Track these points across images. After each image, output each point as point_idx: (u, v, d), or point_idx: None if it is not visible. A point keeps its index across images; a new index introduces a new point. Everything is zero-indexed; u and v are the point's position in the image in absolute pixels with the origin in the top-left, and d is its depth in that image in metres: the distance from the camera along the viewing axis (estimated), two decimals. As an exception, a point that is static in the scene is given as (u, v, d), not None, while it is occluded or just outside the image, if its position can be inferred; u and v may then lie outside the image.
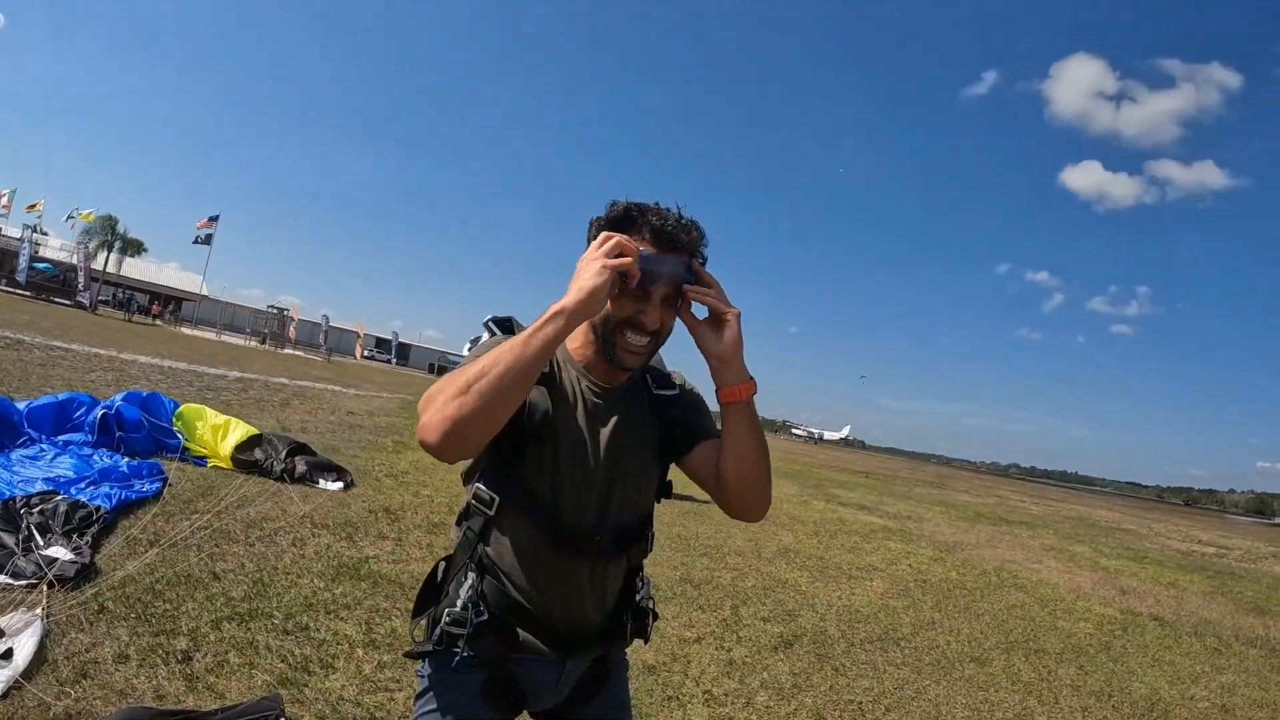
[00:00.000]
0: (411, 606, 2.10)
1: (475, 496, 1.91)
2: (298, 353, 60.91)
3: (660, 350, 2.02)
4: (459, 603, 1.90)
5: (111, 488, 6.40)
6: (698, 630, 6.25)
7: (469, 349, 1.99)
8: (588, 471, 1.92)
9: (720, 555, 9.38)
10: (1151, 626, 9.51)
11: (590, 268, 1.69)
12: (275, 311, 72.01)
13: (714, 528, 11.08)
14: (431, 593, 2.01)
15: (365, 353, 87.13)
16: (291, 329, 68.40)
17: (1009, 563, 13.44)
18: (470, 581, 1.91)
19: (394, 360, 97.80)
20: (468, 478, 1.99)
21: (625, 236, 1.76)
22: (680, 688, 4.98)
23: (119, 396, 8.72)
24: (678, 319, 1.93)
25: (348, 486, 9.09)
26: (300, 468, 8.93)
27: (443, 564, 2.04)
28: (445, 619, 1.89)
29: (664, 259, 1.81)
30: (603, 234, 1.76)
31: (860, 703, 5.36)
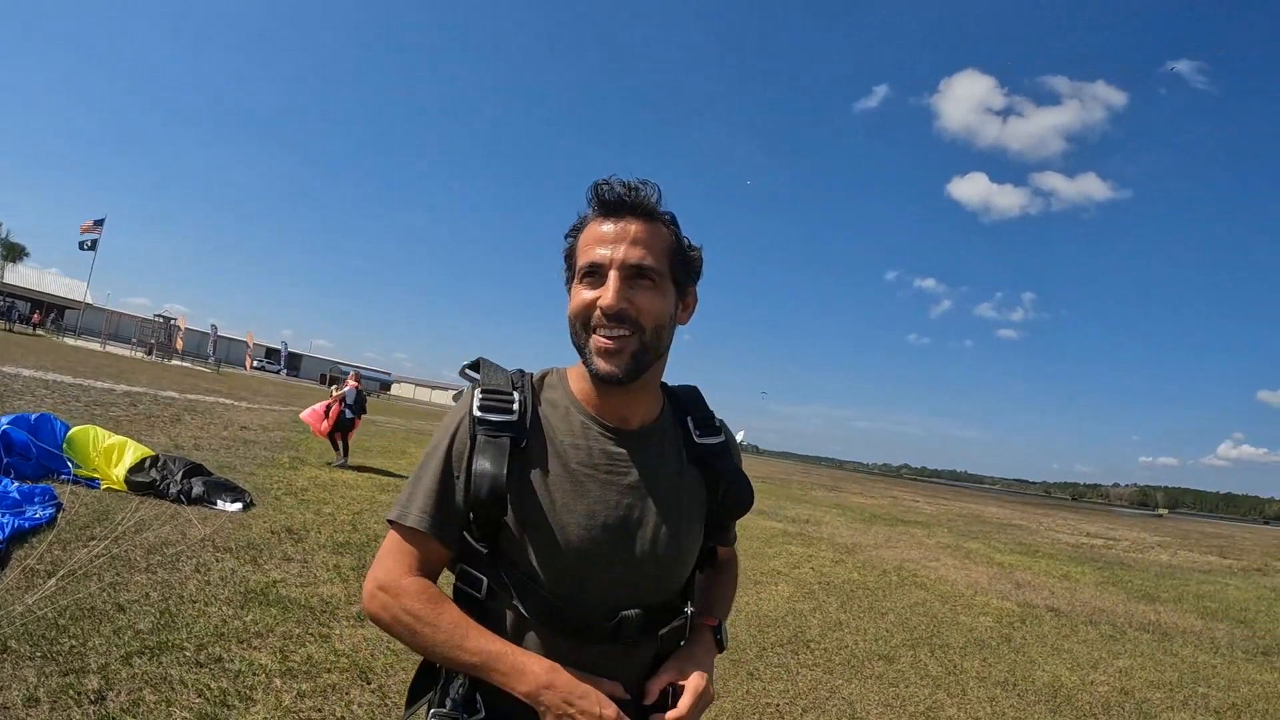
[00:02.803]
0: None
1: (462, 579, 1.56)
2: (186, 364, 59.08)
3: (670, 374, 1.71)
4: (449, 700, 1.51)
5: (3, 515, 6.14)
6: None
7: (455, 401, 1.67)
8: (596, 540, 1.51)
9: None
10: (1048, 617, 9.87)
11: (589, 702, 1.42)
12: (162, 321, 69.66)
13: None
14: (429, 676, 1.63)
15: (255, 363, 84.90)
16: (179, 339, 66.30)
17: (908, 561, 13.79)
18: (461, 674, 1.51)
19: (285, 371, 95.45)
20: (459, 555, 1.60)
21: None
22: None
23: (5, 419, 8.39)
24: None
25: (247, 507, 8.89)
26: (197, 489, 8.70)
27: None
28: None
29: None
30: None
31: (777, 705, 5.45)
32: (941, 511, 31.19)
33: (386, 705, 4.30)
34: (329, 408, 15.03)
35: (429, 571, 1.53)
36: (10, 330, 51.33)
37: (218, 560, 6.50)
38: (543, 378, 1.66)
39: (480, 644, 1.43)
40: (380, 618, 1.49)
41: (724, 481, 1.70)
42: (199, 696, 3.99)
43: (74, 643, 4.32)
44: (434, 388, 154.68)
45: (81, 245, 60.28)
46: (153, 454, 9.18)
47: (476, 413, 1.51)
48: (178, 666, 4.28)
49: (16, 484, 7.12)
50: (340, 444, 15.27)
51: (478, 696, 1.51)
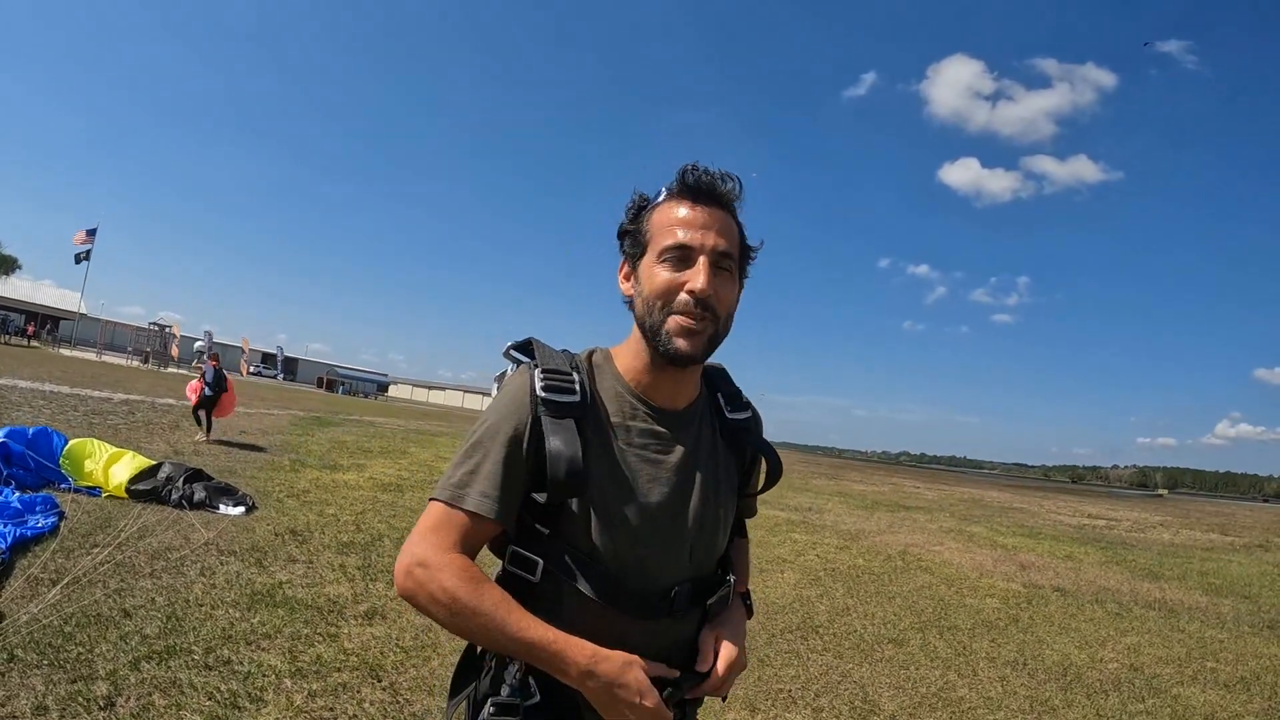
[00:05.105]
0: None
1: (513, 561, 1.54)
2: (182, 371, 59.00)
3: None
4: (505, 687, 1.50)
5: (5, 525, 6.13)
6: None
7: (496, 386, 1.66)
8: (652, 519, 1.54)
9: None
10: (1054, 597, 9.87)
11: (629, 690, 1.41)
12: (157, 329, 69.51)
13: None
14: (471, 666, 1.62)
15: (251, 369, 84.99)
16: (174, 347, 66.19)
17: (912, 546, 13.75)
18: (519, 661, 1.49)
19: (281, 375, 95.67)
20: (497, 542, 1.60)
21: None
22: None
23: (1, 432, 8.36)
24: None
25: (250, 510, 8.87)
26: (199, 494, 8.70)
27: None
28: (490, 709, 1.49)
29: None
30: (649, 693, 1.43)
31: (789, 690, 5.46)
32: (943, 497, 31.11)
33: (399, 702, 4.28)
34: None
35: (470, 550, 1.48)
36: (6, 343, 51.26)
37: (222, 564, 6.49)
38: (589, 357, 1.66)
39: (522, 629, 1.40)
40: (415, 595, 1.43)
41: (753, 455, 1.77)
42: (209, 699, 3.98)
43: (81, 649, 4.31)
44: (431, 388, 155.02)
45: (78, 258, 60.13)
46: (153, 463, 9.16)
47: (541, 393, 1.50)
48: (186, 670, 4.27)
49: (18, 494, 7.11)
50: (204, 420, 15.79)
51: (531, 681, 1.50)
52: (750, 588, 1.85)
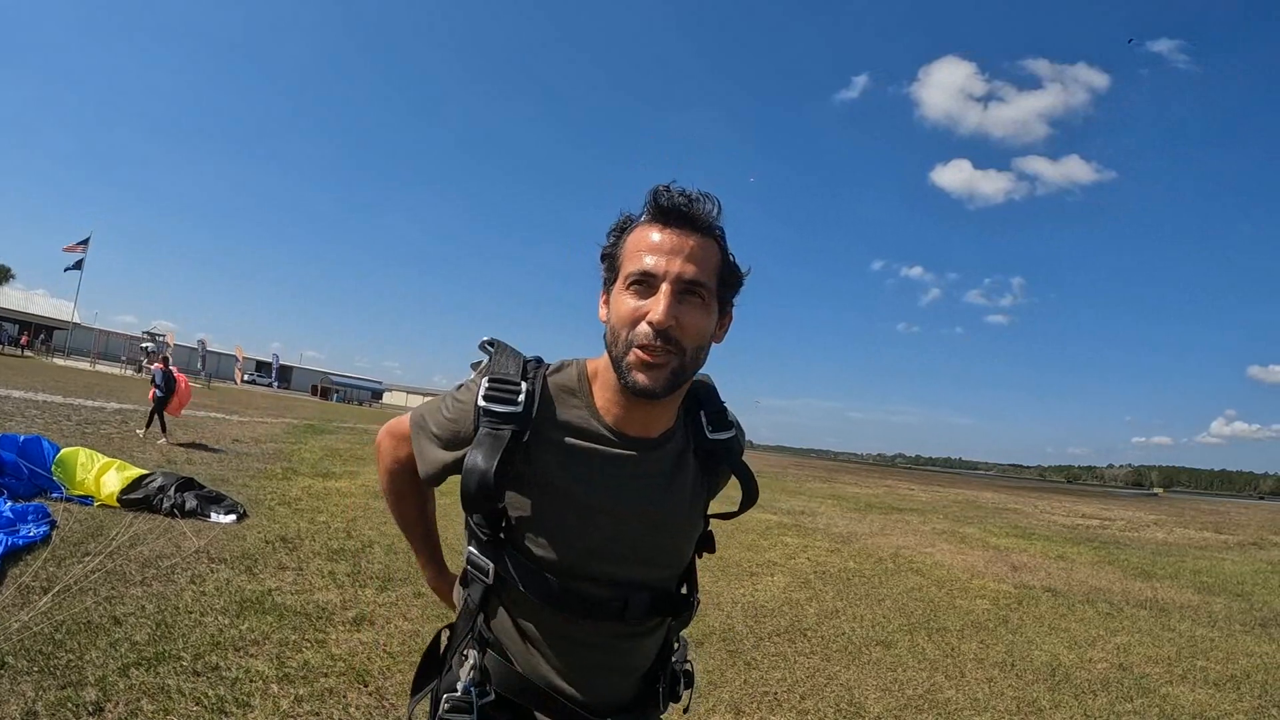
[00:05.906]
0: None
1: (470, 562, 1.59)
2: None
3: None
4: (459, 684, 1.55)
5: (-4, 534, 6.15)
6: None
7: (472, 373, 1.63)
8: (598, 534, 1.52)
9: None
10: (1045, 598, 9.87)
11: None
12: (151, 338, 69.50)
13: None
14: (434, 665, 1.70)
15: (246, 377, 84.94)
16: (169, 356, 66.13)
17: (903, 548, 13.73)
18: (472, 659, 1.56)
19: (275, 383, 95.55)
20: (469, 537, 1.64)
21: None
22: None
23: (-7, 440, 8.39)
24: None
25: (241, 518, 8.90)
26: (190, 502, 8.71)
27: (445, 631, 1.72)
28: (445, 705, 1.54)
29: None
30: None
31: (775, 693, 5.46)
32: (936, 498, 31.05)
33: (384, 707, 4.31)
34: None
35: (408, 466, 1.76)
36: (0, 353, 51.20)
37: (213, 571, 6.51)
38: (558, 369, 1.61)
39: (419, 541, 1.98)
40: (377, 453, 1.87)
41: (729, 476, 1.73)
42: (196, 704, 4.00)
43: (71, 656, 4.33)
44: (426, 394, 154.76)
45: (68, 268, 60.01)
46: (145, 472, 9.17)
47: (481, 403, 1.48)
48: (175, 676, 4.29)
49: (10, 503, 7.13)
50: (160, 421, 16.27)
51: (488, 680, 1.56)
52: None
